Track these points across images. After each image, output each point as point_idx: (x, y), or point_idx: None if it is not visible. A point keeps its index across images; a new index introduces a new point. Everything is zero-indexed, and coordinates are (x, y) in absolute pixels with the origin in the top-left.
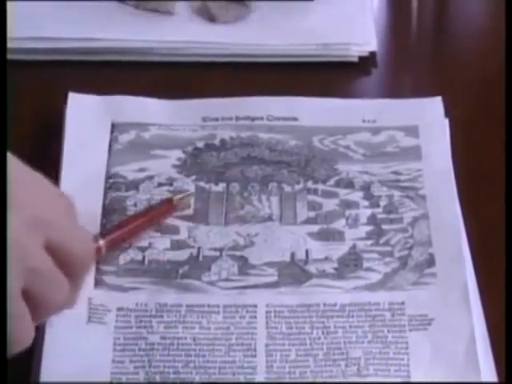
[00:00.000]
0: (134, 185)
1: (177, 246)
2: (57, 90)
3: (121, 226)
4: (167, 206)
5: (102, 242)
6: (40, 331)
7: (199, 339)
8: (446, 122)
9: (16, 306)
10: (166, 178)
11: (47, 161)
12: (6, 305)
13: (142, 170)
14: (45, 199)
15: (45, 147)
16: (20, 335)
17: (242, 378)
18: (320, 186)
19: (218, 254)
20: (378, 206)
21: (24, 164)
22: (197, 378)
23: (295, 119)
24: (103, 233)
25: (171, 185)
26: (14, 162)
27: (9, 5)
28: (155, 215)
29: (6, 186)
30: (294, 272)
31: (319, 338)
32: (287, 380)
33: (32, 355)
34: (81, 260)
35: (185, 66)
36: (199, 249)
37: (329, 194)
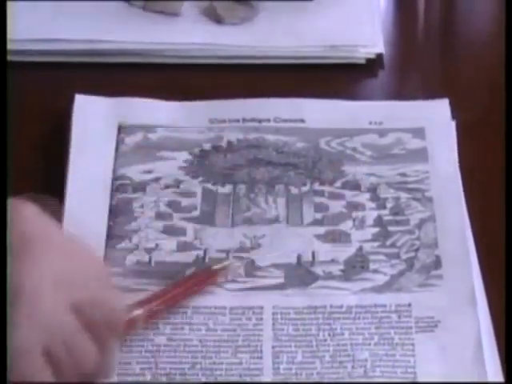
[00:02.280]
0: (141, 186)
1: (183, 247)
2: (64, 92)
3: (159, 295)
4: (206, 275)
5: (139, 312)
6: None
7: (206, 341)
8: (453, 123)
9: (33, 361)
10: (173, 179)
11: (54, 162)
12: (5, 307)
13: (148, 171)
14: (75, 259)
15: (52, 149)
16: None
17: (248, 380)
18: (327, 188)
19: (224, 255)
20: (384, 207)
21: (52, 221)
22: (203, 380)
23: (302, 121)
24: (141, 302)
25: (178, 187)
26: (42, 220)
27: (17, 6)
28: (194, 284)
29: (6, 187)
30: (301, 274)
31: (326, 340)
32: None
33: None
34: (109, 325)
35: (191, 67)
36: (206, 250)
37: (335, 196)
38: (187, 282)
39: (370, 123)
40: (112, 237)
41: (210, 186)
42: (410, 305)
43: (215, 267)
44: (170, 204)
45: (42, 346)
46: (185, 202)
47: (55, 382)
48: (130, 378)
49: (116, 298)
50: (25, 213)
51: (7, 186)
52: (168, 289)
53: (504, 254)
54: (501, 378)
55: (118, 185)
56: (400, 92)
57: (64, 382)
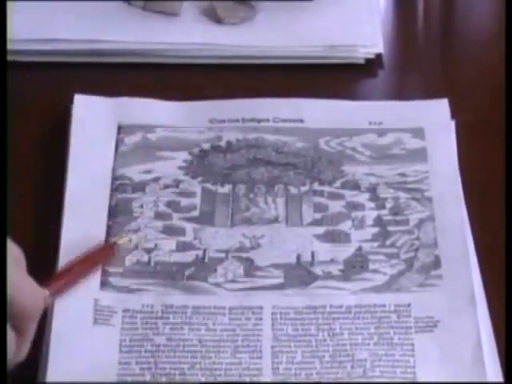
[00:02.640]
0: (141, 186)
1: (183, 247)
2: (63, 92)
3: (62, 274)
4: (107, 250)
5: (46, 293)
6: (46, 332)
7: (205, 341)
8: (453, 123)
9: None
10: (173, 179)
11: (53, 162)
12: (6, 306)
13: (148, 171)
14: None
15: (51, 149)
16: None
17: (247, 380)
18: (326, 188)
19: (223, 255)
20: (384, 207)
21: None
22: (203, 380)
23: (301, 121)
24: (46, 282)
25: (177, 186)
26: None
27: (17, 6)
28: (96, 260)
29: (6, 188)
30: (300, 274)
31: (325, 340)
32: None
33: (39, 356)
34: (28, 313)
35: (191, 67)
36: (205, 250)
37: (335, 196)
38: (89, 258)
39: (370, 123)
40: (111, 236)
41: (209, 185)
42: (409, 305)
43: (115, 241)
44: (169, 204)
45: None
46: (184, 201)
47: None
48: (129, 378)
49: (33, 288)
50: None
51: (7, 187)
52: (70, 266)
53: (504, 254)
54: (500, 379)
55: (118, 185)
56: (399, 92)
57: None
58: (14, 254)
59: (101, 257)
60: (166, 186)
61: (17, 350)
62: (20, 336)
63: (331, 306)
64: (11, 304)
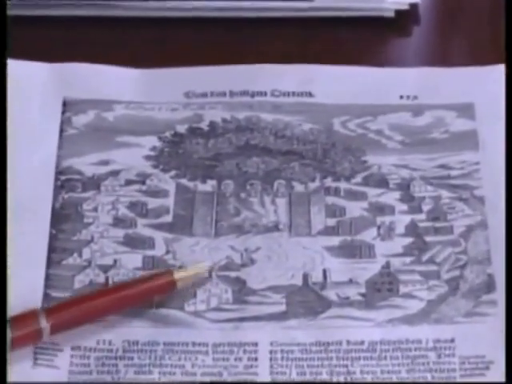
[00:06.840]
0: (94, 183)
1: (151, 263)
2: None
3: (78, 301)
4: (162, 283)
5: (44, 323)
6: None
7: None
8: None
9: None
10: (137, 173)
11: None
12: (6, 304)
13: (104, 162)
14: None
15: None
16: None
17: None
18: (343, 185)
19: (205, 275)
20: (420, 210)
21: None
22: None
23: (310, 95)
24: (49, 308)
25: (143, 183)
26: None
27: None
28: (138, 293)
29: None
30: (308, 299)
31: None
32: None
33: None
34: None
35: (162, 22)
36: (181, 268)
37: (354, 195)
38: (127, 288)
39: (401, 98)
40: (55, 250)
41: (185, 181)
42: (453, 340)
43: (179, 275)
44: (132, 206)
45: None
46: (153, 203)
47: None
48: None
49: None
50: None
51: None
52: (95, 293)
53: None
54: None
55: (64, 180)
56: (441, 56)
57: None
58: None
59: (143, 290)
60: (129, 183)
61: None
62: None
63: (349, 343)
64: None
